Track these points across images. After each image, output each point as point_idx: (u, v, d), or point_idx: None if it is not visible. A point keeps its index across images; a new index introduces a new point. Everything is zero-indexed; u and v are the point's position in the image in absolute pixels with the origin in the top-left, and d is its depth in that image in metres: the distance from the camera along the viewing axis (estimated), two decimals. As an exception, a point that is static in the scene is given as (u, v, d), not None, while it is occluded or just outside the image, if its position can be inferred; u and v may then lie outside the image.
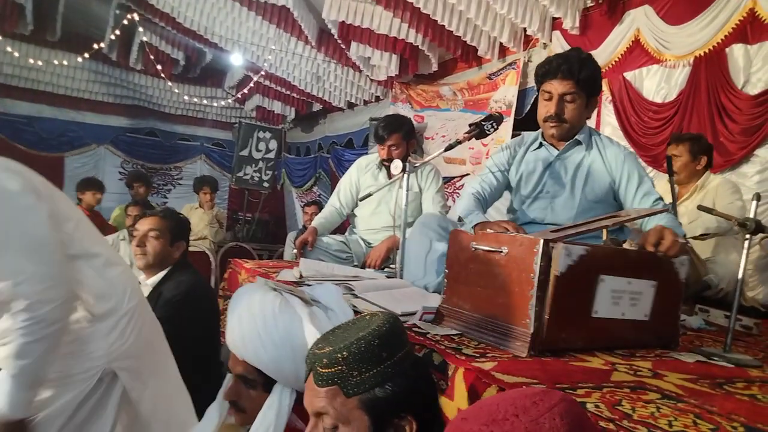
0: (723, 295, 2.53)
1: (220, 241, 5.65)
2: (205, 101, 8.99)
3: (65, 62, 7.83)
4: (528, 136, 2.14)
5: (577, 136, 1.99)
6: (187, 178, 9.70)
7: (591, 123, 4.44)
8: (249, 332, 1.25)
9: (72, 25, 7.47)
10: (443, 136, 6.16)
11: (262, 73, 7.27)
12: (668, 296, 1.60)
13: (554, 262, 1.36)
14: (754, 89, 3.49)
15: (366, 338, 0.94)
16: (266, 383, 1.27)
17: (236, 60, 7.27)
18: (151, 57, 7.36)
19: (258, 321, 1.24)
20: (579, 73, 1.85)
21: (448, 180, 5.90)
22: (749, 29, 3.52)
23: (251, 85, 7.81)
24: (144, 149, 9.81)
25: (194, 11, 6.47)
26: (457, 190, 5.89)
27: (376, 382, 0.92)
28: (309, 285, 1.56)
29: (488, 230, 1.65)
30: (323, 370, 0.96)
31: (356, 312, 1.74)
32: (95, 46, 7.24)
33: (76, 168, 8.98)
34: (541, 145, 2.06)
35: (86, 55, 7.35)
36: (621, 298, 1.50)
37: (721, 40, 3.64)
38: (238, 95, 8.63)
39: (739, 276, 1.61)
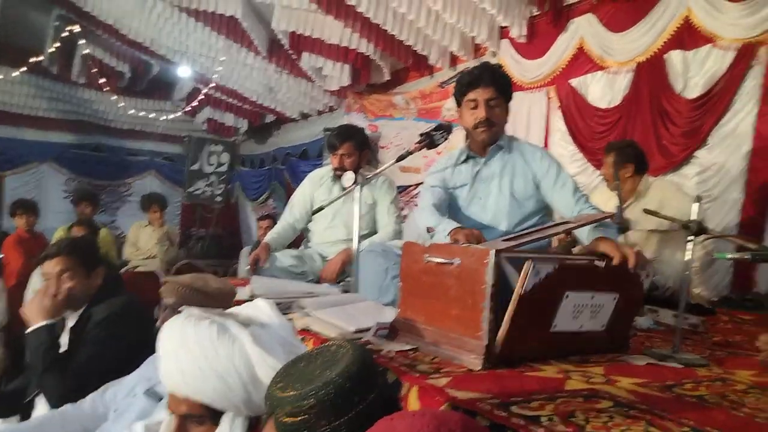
0: (670, 294, 2.60)
1: (171, 259, 5.46)
2: (152, 114, 8.74)
3: (1, 76, 7.47)
4: (455, 152, 2.22)
5: (498, 142, 2.10)
6: (136, 194, 9.37)
7: (540, 128, 4.59)
8: (188, 367, 1.17)
9: (8, 37, 7.14)
10: (398, 145, 6.17)
11: (212, 84, 7.14)
12: (627, 307, 1.61)
13: (521, 280, 1.34)
14: (692, 93, 3.64)
15: (336, 382, 0.84)
16: (214, 416, 1.21)
17: (184, 72, 7.11)
18: (94, 70, 7.10)
19: (196, 353, 1.17)
20: (497, 80, 2.02)
21: (403, 189, 5.91)
22: (686, 36, 3.67)
23: (201, 97, 7.65)
24: (90, 166, 9.44)
25: (139, 22, 6.29)
26: (413, 199, 5.90)
27: (348, 431, 0.83)
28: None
29: (458, 239, 1.66)
30: (287, 420, 0.86)
31: (306, 331, 1.69)
32: (33, 59, 6.94)
33: (17, 188, 8.55)
34: (467, 157, 2.15)
35: (24, 68, 7.02)
36: (582, 312, 1.50)
37: (660, 46, 3.79)
38: (188, 108, 8.43)
39: (684, 277, 1.65)
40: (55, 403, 1.85)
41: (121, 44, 7.02)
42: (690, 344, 1.91)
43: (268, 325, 1.26)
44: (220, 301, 1.74)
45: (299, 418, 0.84)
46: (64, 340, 2.08)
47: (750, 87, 3.38)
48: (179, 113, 8.83)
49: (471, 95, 2.04)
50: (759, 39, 3.32)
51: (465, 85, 2.06)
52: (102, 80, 7.23)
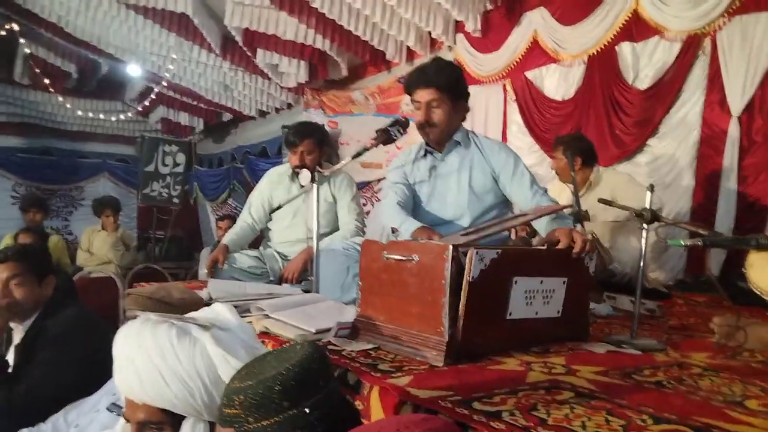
0: (627, 280, 2.66)
1: (127, 264, 5.28)
2: (102, 115, 8.43)
3: (-63, 79, 7.10)
4: (414, 147, 2.23)
5: (454, 137, 2.10)
6: (89, 198, 9.02)
7: (498, 121, 4.63)
8: (147, 372, 1.13)
9: (-58, 38, 6.76)
10: (358, 141, 6.14)
11: (164, 83, 6.93)
12: (578, 291, 1.63)
13: (467, 267, 1.34)
14: (642, 84, 3.73)
15: (266, 383, 0.83)
16: (174, 422, 1.16)
17: (134, 71, 6.87)
18: (38, 70, 6.79)
19: (155, 358, 1.13)
20: (437, 80, 1.99)
21: (365, 185, 5.88)
22: (634, 28, 3.76)
23: (153, 96, 7.42)
24: (39, 170, 9.06)
25: (85, 20, 6.03)
26: (375, 194, 5.88)
27: None
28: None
29: (420, 237, 1.65)
30: (224, 410, 0.87)
31: (266, 333, 1.65)
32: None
33: (-41, 195, 8.17)
34: (426, 152, 2.15)
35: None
36: (534, 298, 1.51)
37: (611, 38, 3.86)
38: (140, 107, 8.17)
39: (641, 264, 1.68)
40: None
41: (66, 43, 6.73)
42: (648, 329, 1.96)
43: (228, 329, 1.22)
44: (184, 311, 1.69)
45: (231, 411, 0.84)
46: (11, 356, 1.97)
47: (697, 77, 3.48)
48: (130, 113, 8.55)
49: (415, 96, 2.04)
50: (704, 30, 3.42)
51: (407, 86, 2.08)
52: (47, 81, 6.91)
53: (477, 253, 1.35)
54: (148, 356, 1.13)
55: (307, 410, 0.83)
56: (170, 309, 1.67)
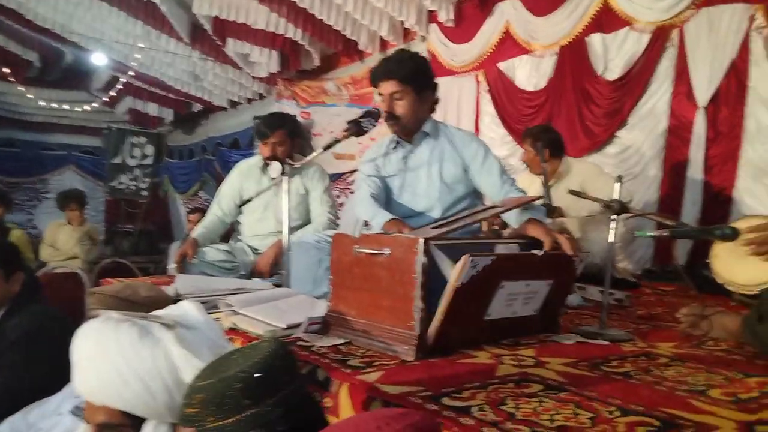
0: (597, 270, 2.69)
1: (94, 258, 5.14)
2: (67, 106, 8.17)
3: None
4: (385, 140, 2.21)
5: (423, 129, 2.10)
6: (55, 191, 8.77)
7: (471, 112, 4.63)
8: (107, 373, 1.09)
9: None
10: (331, 132, 6.08)
11: (131, 73, 6.75)
12: (560, 291, 1.64)
13: (457, 273, 1.32)
14: (612, 75, 3.76)
15: (226, 381, 0.82)
16: (135, 424, 1.13)
17: (99, 60, 6.67)
18: (-4, 59, 6.55)
19: (116, 358, 1.09)
20: (399, 71, 1.98)
21: (338, 176, 5.84)
22: (604, 19, 3.79)
23: (120, 86, 7.22)
24: (1, 162, 8.77)
25: (46, 7, 5.84)
26: (348, 186, 5.84)
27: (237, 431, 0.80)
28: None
29: (391, 230, 1.63)
30: (185, 409, 0.86)
31: (234, 330, 1.62)
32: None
33: None
34: (396, 144, 2.15)
35: None
36: (516, 299, 1.51)
37: (582, 30, 3.88)
38: (106, 98, 7.94)
39: (609, 255, 1.69)
40: None
41: (27, 31, 6.49)
42: (616, 319, 1.98)
43: (194, 327, 1.19)
44: (150, 309, 1.64)
45: (192, 410, 0.82)
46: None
47: (665, 68, 3.53)
48: (96, 104, 8.30)
49: (379, 88, 2.04)
50: (672, 22, 3.46)
51: (372, 78, 2.07)
52: (6, 70, 6.67)
53: (472, 260, 1.32)
54: (108, 356, 1.10)
55: (268, 408, 0.81)
56: (136, 307, 1.63)
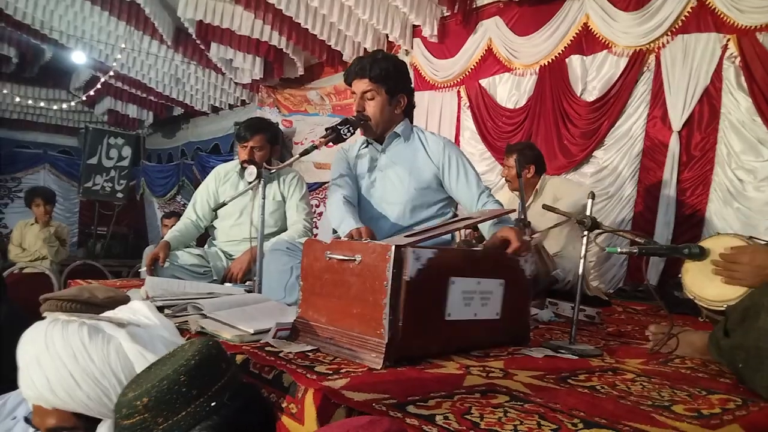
0: (570, 287, 2.71)
1: (63, 260, 5.02)
2: (44, 104, 8.02)
3: None
4: (359, 140, 2.21)
5: (395, 129, 2.09)
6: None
7: (451, 127, 4.67)
8: (56, 375, 1.05)
9: None
10: (312, 141, 6.06)
11: (112, 73, 6.66)
12: (517, 294, 1.65)
13: (404, 266, 1.33)
14: (590, 96, 3.84)
15: (170, 377, 0.81)
16: (89, 426, 1.09)
17: (79, 58, 6.57)
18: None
19: (65, 359, 1.05)
20: (370, 71, 1.98)
21: (319, 185, 5.82)
22: (584, 42, 3.87)
23: (99, 86, 7.11)
24: (-28, 159, 8.59)
25: (26, 3, 5.73)
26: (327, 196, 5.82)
27: (188, 426, 0.79)
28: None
29: (356, 238, 1.61)
30: (124, 422, 0.83)
31: (202, 333, 1.59)
32: None
33: None
34: (367, 144, 2.15)
35: None
36: (472, 299, 1.51)
37: (562, 50, 3.96)
38: (84, 97, 7.82)
39: (580, 271, 1.70)
40: None
41: (4, 26, 6.38)
42: (587, 335, 1.99)
43: (147, 325, 1.16)
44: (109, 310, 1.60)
45: (135, 419, 0.81)
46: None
47: (641, 92, 3.61)
48: (73, 103, 8.17)
49: (352, 87, 2.05)
50: (648, 47, 3.55)
51: (346, 77, 2.07)
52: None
53: (414, 252, 1.33)
54: (58, 357, 1.06)
55: (215, 395, 0.82)
56: (96, 310, 1.58)
